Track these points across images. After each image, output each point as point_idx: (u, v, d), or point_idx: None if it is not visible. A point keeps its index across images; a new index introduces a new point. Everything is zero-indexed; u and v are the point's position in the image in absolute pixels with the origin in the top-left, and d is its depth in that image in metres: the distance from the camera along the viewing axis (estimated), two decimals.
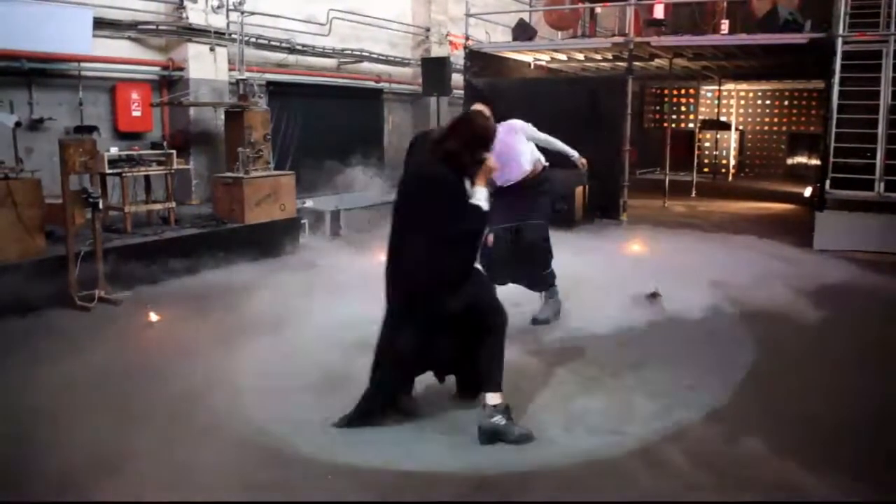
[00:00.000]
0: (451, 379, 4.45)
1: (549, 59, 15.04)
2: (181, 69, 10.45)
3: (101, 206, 6.97)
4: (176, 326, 6.07)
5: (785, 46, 11.66)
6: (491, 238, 5.90)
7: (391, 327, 4.12)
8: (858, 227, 9.52)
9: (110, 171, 8.06)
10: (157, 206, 8.75)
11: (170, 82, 10.52)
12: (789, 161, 20.64)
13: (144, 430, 4.07)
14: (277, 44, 12.07)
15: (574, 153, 6.30)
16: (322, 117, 12.96)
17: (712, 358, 5.40)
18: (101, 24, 9.27)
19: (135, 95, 9.86)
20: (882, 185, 9.57)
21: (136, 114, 9.89)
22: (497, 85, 12.81)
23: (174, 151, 8.88)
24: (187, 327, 5.96)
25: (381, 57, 14.42)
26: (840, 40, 9.97)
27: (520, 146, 5.88)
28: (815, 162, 14.42)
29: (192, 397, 4.50)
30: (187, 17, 10.33)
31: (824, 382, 5.05)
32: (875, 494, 3.53)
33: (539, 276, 6.10)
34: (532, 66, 15.13)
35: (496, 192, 5.86)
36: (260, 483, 3.58)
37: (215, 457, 3.79)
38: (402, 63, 15.12)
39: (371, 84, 14.35)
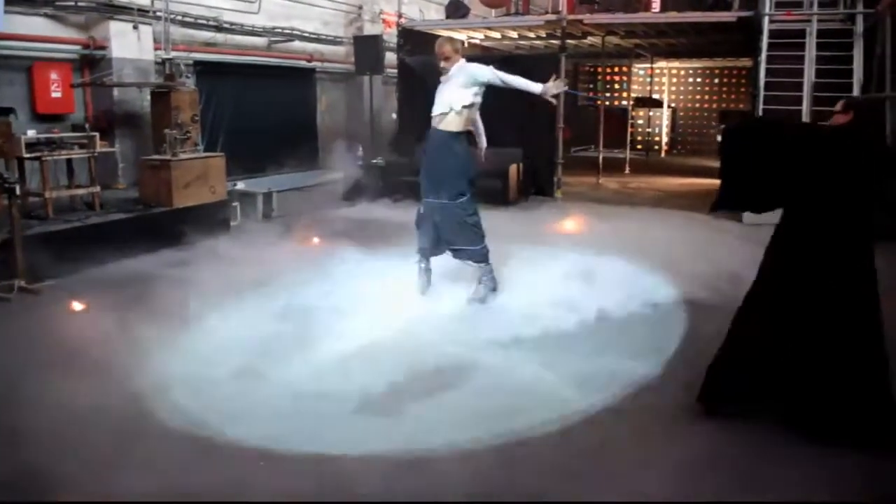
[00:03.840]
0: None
1: (482, 37, 15.00)
2: (103, 48, 10.06)
3: (18, 191, 6.65)
4: (99, 316, 5.83)
5: (714, 24, 11.87)
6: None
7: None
8: None
9: (28, 156, 7.74)
10: (81, 191, 8.43)
11: (91, 62, 10.11)
12: (720, 138, 21.03)
13: (67, 423, 3.91)
14: (204, 22, 11.73)
15: (538, 87, 5.79)
16: (253, 98, 12.67)
17: (646, 336, 5.44)
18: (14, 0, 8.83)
19: (54, 76, 9.45)
20: None
21: (56, 95, 9.49)
22: (431, 63, 12.56)
23: (97, 134, 8.59)
24: (111, 317, 5.72)
25: (312, 35, 14.17)
26: (766, 19, 10.18)
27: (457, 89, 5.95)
28: None
29: (115, 389, 4.34)
30: None
31: None
32: None
33: (471, 251, 6.08)
34: (466, 45, 15.03)
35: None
36: (193, 474, 3.47)
37: (145, 449, 3.68)
38: (334, 42, 14.88)
39: (303, 63, 14.08)
